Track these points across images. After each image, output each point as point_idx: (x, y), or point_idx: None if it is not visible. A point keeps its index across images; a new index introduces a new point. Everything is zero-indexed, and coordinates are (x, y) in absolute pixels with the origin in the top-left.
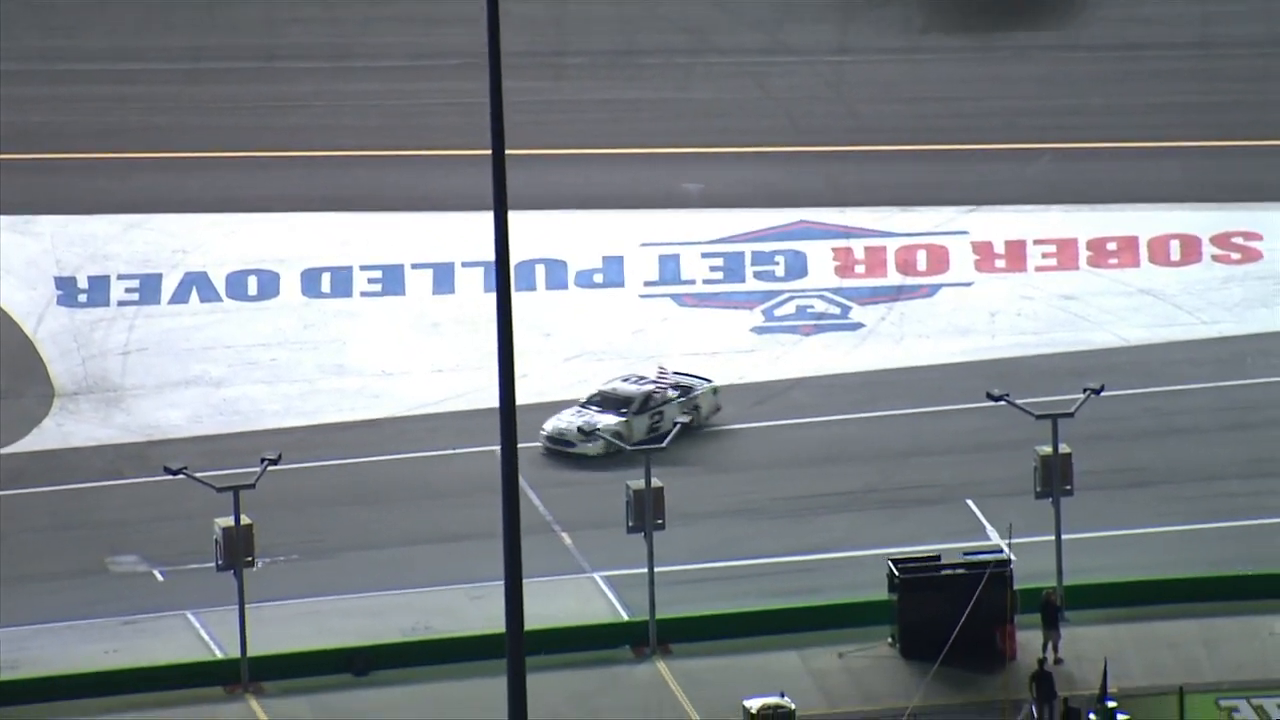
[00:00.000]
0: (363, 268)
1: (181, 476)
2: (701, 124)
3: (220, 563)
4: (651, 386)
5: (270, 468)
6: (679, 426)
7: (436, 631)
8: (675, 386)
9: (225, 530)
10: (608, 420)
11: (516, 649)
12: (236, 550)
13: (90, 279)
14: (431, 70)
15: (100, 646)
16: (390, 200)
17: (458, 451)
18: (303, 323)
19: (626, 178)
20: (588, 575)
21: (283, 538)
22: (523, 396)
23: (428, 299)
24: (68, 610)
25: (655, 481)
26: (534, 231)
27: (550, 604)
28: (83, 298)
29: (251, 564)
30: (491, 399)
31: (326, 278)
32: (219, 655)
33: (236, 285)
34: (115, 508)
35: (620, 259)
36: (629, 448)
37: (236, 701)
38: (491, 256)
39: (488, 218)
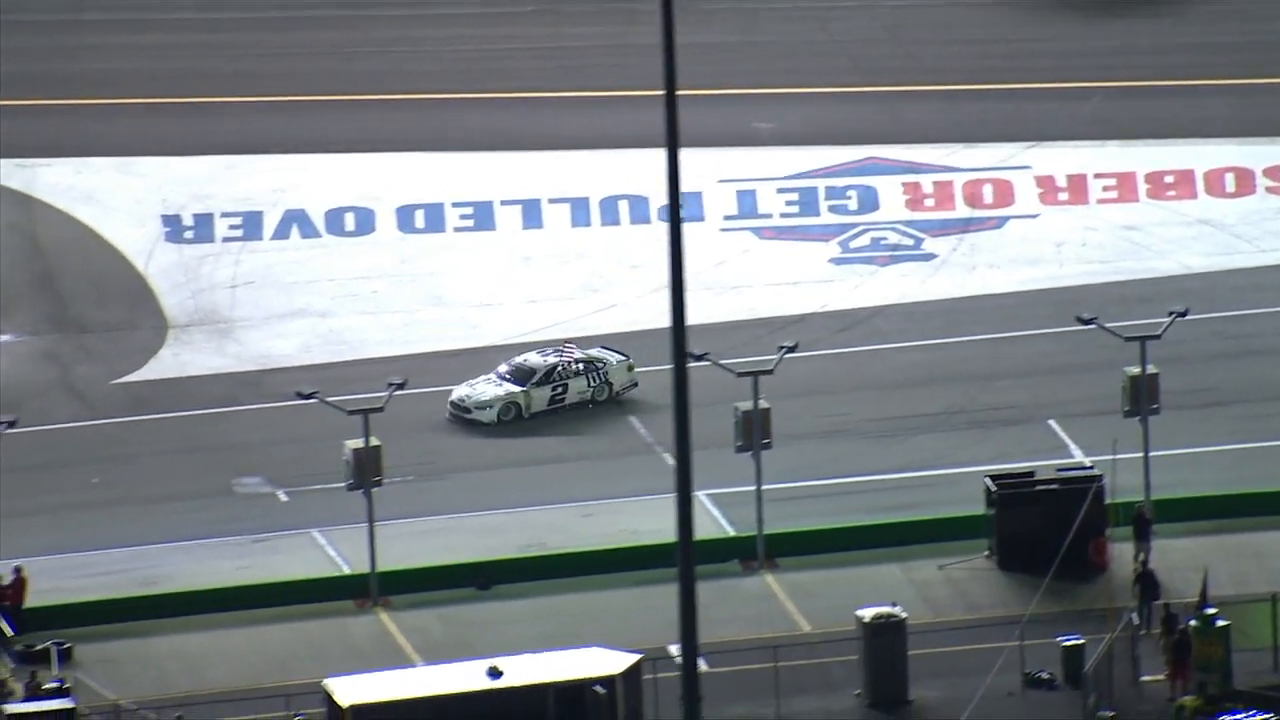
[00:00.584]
0: (454, 204)
1: (314, 400)
2: (769, 66)
3: (351, 482)
4: (556, 360)
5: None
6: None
7: (551, 547)
8: (583, 362)
9: (355, 451)
10: (507, 390)
11: (687, 567)
12: (366, 470)
13: (195, 216)
14: (505, 17)
15: (232, 563)
16: (477, 140)
17: None
18: (400, 257)
19: (701, 118)
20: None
21: (398, 460)
22: (615, 325)
23: (518, 233)
24: (198, 529)
25: (762, 403)
26: (615, 169)
27: (660, 520)
28: (189, 234)
29: (379, 483)
30: (584, 328)
31: (420, 214)
32: (347, 571)
33: (334, 222)
34: (236, 432)
35: (699, 194)
36: (527, 416)
37: (367, 615)
38: (583, 190)
39: (571, 156)
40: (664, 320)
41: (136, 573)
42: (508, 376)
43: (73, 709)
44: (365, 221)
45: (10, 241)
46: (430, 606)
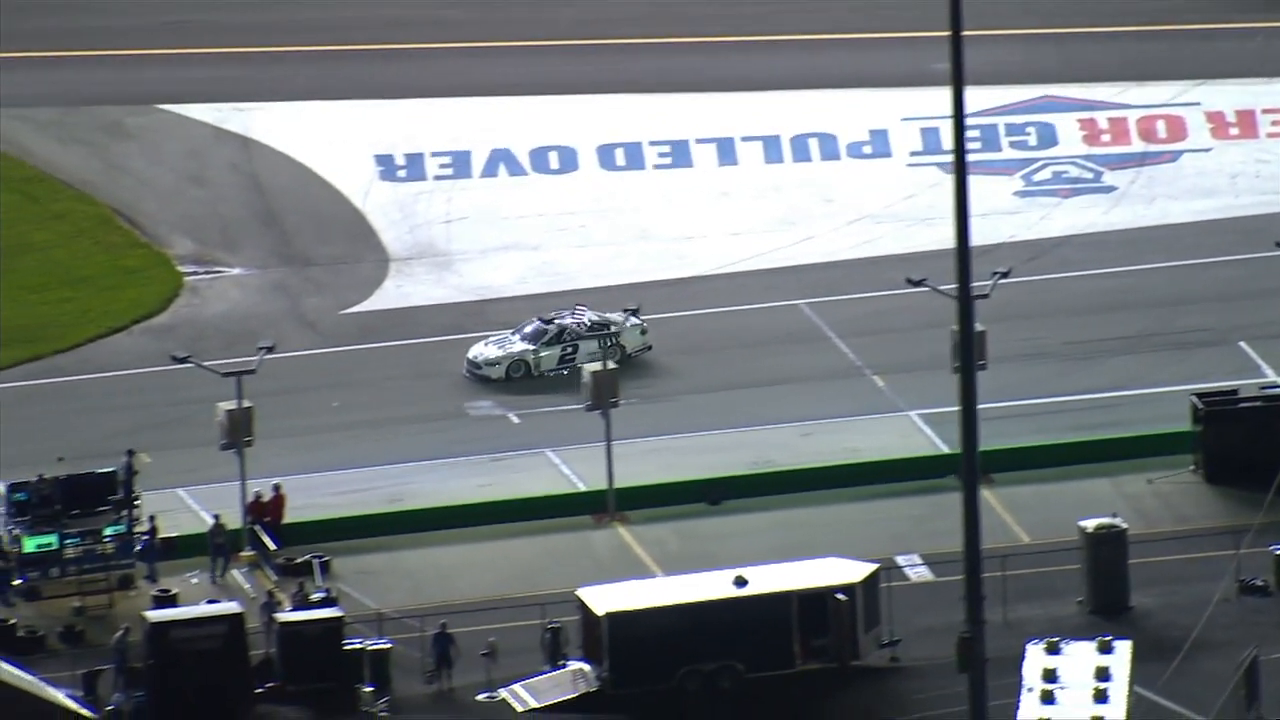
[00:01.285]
0: (652, 143)
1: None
2: (944, 8)
3: (589, 404)
4: (570, 321)
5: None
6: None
7: (776, 464)
8: (594, 323)
9: (594, 374)
10: (519, 349)
11: (971, 477)
12: (603, 392)
13: (407, 156)
14: None
15: (472, 481)
16: (672, 83)
17: None
18: (604, 193)
19: (882, 60)
20: (903, 414)
21: (625, 383)
22: (811, 257)
23: (714, 170)
24: (437, 450)
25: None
26: (804, 108)
27: (876, 439)
28: (402, 173)
29: (616, 404)
30: (785, 259)
31: (620, 152)
32: (583, 487)
33: (539, 160)
34: (463, 359)
35: (885, 132)
36: (536, 374)
37: (605, 529)
38: (773, 129)
39: (760, 97)
40: (859, 252)
41: (383, 490)
42: (523, 336)
43: (340, 617)
44: (568, 160)
45: (233, 181)
46: (664, 521)
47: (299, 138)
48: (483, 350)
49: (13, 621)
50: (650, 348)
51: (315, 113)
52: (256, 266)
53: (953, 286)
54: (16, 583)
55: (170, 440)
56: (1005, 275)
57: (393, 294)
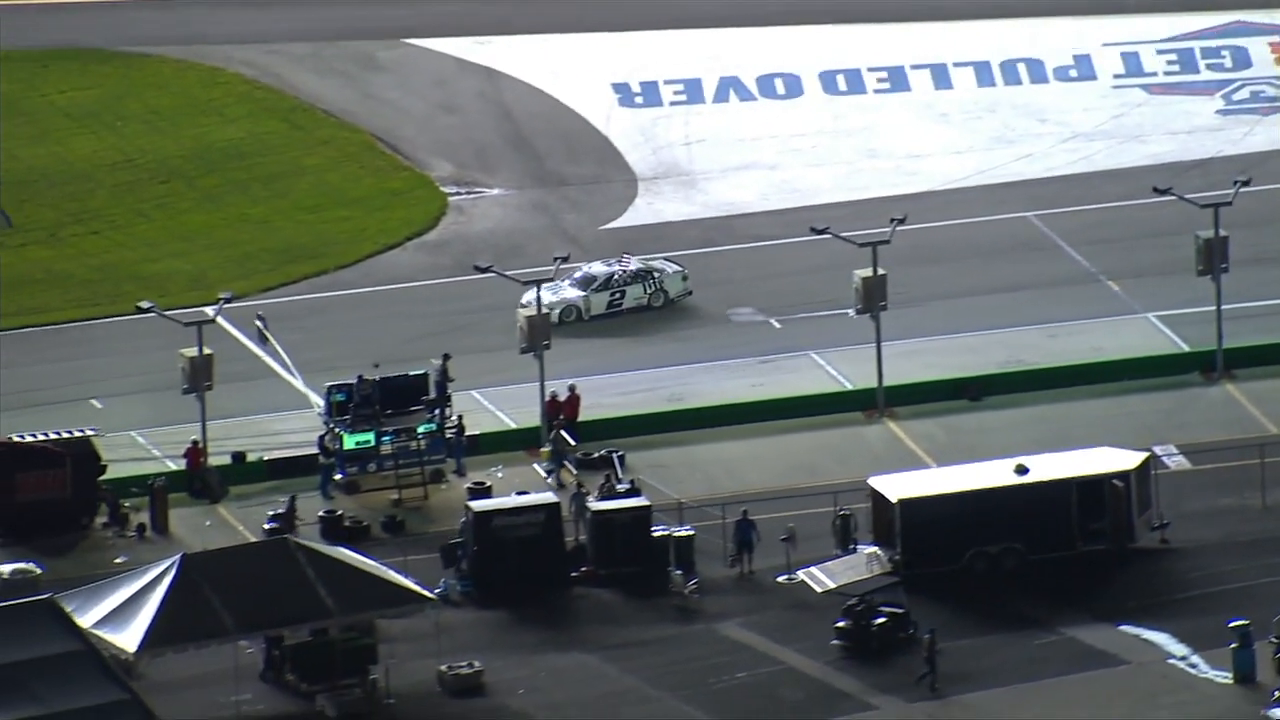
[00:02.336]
0: (870, 69)
1: (827, 235)
2: None
3: (858, 308)
4: (617, 269)
5: (898, 227)
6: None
7: (1028, 363)
8: (640, 271)
9: (864, 280)
10: (571, 295)
11: None
12: (873, 296)
13: (642, 84)
14: None
15: (744, 381)
16: (886, 13)
17: None
18: (831, 115)
19: None
20: (1141, 316)
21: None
22: (1031, 173)
23: (931, 93)
24: (707, 353)
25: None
26: (1011, 35)
27: (1117, 339)
28: (639, 100)
29: (885, 308)
30: (1007, 175)
31: (841, 78)
32: (850, 386)
33: (766, 86)
34: (718, 269)
35: (1088, 56)
36: (587, 318)
37: (876, 424)
38: (982, 55)
39: (969, 25)
40: (1076, 168)
41: (663, 391)
42: (575, 283)
43: (648, 506)
44: (793, 85)
45: (482, 108)
46: (929, 416)
47: (539, 68)
48: (538, 295)
49: (340, 513)
50: (691, 293)
51: (553, 45)
52: (514, 187)
53: (1199, 195)
54: (337, 477)
55: (462, 345)
56: (1245, 184)
57: (644, 210)
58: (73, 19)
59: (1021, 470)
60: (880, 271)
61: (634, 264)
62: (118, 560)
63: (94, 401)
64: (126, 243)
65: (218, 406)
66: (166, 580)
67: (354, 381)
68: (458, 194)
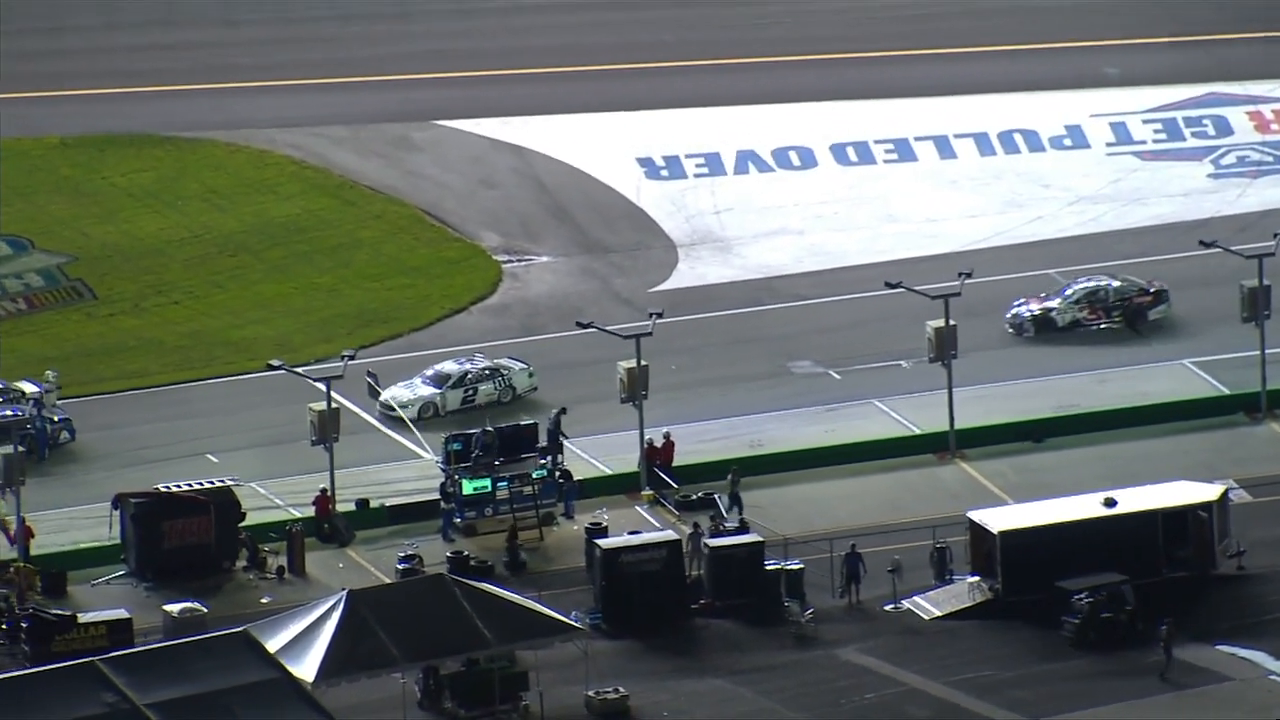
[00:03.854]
0: (876, 141)
1: (900, 289)
2: (1102, 21)
3: (930, 356)
4: (469, 367)
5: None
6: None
7: (1076, 407)
8: (489, 369)
9: (936, 330)
10: (428, 392)
11: None
12: (944, 345)
13: (665, 158)
14: None
15: (817, 428)
16: (886, 90)
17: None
18: (845, 184)
19: (1052, 66)
20: (1176, 362)
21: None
22: (1044, 233)
23: (936, 162)
24: (772, 403)
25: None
26: (1003, 109)
27: (1163, 384)
28: (664, 173)
29: (955, 356)
30: (1021, 236)
31: (851, 150)
32: (917, 431)
33: (781, 158)
34: (770, 326)
35: (1079, 127)
36: (443, 415)
37: (949, 465)
38: (980, 127)
39: (964, 100)
40: (1086, 229)
41: (741, 438)
42: (429, 381)
43: (761, 541)
44: (808, 157)
45: (519, 182)
46: (998, 457)
47: (564, 145)
48: (396, 393)
49: (465, 553)
50: (536, 388)
51: (574, 123)
52: (561, 254)
53: (1245, 246)
54: (456, 521)
55: (541, 400)
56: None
57: (688, 274)
58: (120, 107)
59: (1110, 503)
60: (952, 322)
61: (483, 362)
62: (264, 600)
63: (209, 456)
64: (208, 311)
65: (330, 458)
66: (335, 615)
67: (471, 433)
68: (510, 261)
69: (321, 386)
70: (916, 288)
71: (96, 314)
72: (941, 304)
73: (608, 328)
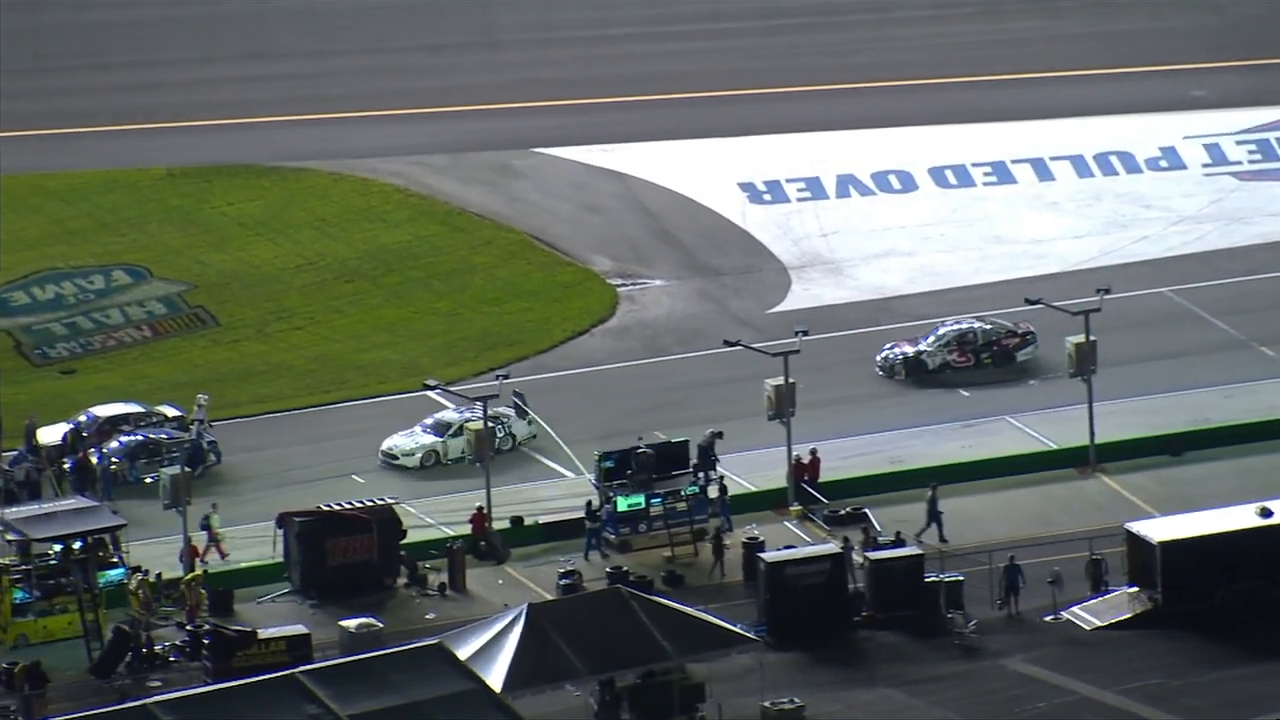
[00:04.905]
0: (974, 164)
1: (1040, 305)
2: (1184, 46)
3: (1072, 371)
4: (469, 416)
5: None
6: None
7: (1213, 422)
8: (491, 418)
9: (1076, 345)
10: (429, 440)
11: None
12: (1085, 360)
13: (766, 183)
14: (955, 15)
15: (955, 444)
16: (983, 113)
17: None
18: (948, 207)
19: (1140, 90)
20: None
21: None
22: (1154, 252)
23: (1035, 185)
24: (905, 419)
25: None
26: (1096, 132)
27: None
28: (767, 197)
29: (1094, 371)
30: (1129, 255)
31: (950, 173)
32: (1053, 446)
33: (882, 182)
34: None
35: (1173, 148)
36: (446, 462)
37: (1090, 479)
38: (1075, 149)
39: (1059, 123)
40: (1193, 248)
41: (880, 454)
42: (429, 429)
43: (922, 554)
44: (907, 181)
45: (623, 208)
46: (1138, 471)
47: (663, 171)
48: (397, 442)
49: (625, 569)
50: (535, 436)
51: (672, 150)
52: (674, 277)
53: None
54: (610, 537)
55: (677, 419)
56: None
57: (802, 295)
58: (221, 138)
59: (1265, 513)
60: (1092, 338)
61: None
62: (429, 616)
63: (355, 477)
64: (332, 335)
65: (476, 477)
66: (518, 628)
67: (626, 450)
68: (624, 285)
69: (478, 407)
70: (1055, 303)
71: (221, 340)
72: (1081, 320)
73: (754, 345)
